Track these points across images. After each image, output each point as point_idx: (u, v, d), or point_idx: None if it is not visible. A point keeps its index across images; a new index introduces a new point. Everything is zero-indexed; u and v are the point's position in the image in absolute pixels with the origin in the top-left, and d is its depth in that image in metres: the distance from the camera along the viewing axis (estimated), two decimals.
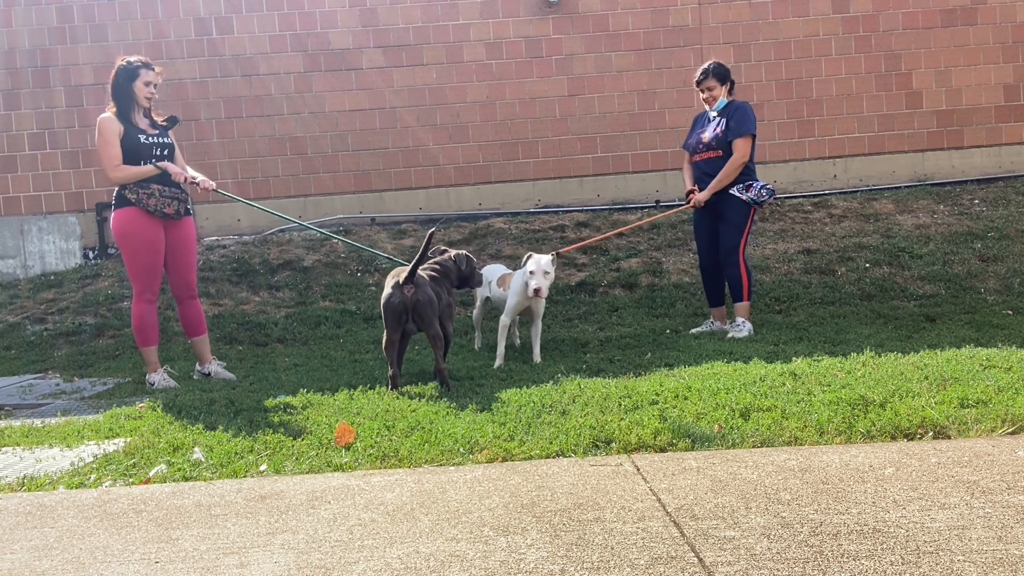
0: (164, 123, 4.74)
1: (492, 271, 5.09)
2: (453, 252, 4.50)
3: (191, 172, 4.72)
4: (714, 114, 5.33)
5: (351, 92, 7.96)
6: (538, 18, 7.99)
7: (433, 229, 4.24)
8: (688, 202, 5.41)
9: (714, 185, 5.20)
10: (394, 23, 7.94)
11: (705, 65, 5.35)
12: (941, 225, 7.14)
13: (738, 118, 5.20)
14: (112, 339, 6.13)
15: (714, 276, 5.40)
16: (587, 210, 7.89)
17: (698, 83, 5.36)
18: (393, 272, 4.18)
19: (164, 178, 4.60)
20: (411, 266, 3.99)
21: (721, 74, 5.28)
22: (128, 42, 7.79)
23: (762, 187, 5.20)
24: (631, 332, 5.44)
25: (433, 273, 4.29)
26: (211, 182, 4.76)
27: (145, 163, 4.55)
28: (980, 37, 8.06)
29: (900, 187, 7.99)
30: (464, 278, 4.49)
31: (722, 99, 5.29)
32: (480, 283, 4.61)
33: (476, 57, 7.98)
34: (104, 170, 4.57)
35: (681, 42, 8.01)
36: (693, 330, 5.42)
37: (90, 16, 7.88)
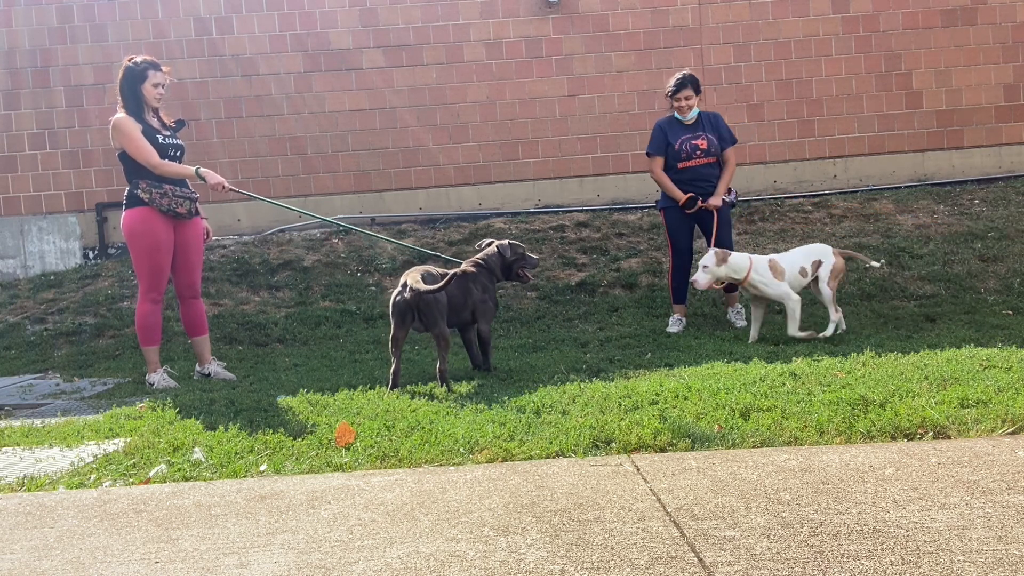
0: (172, 125, 4.76)
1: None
2: (496, 243, 4.50)
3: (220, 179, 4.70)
4: (689, 121, 5.55)
5: (351, 92, 7.96)
6: (538, 18, 7.98)
7: (456, 271, 4.22)
8: (694, 207, 5.45)
9: (721, 189, 5.49)
10: (394, 23, 7.94)
11: (680, 76, 5.56)
12: (941, 225, 7.14)
13: (726, 128, 5.64)
14: (112, 339, 6.13)
15: (688, 274, 5.56)
16: (587, 210, 7.89)
17: (674, 94, 5.53)
18: (410, 270, 4.19)
19: (176, 179, 4.64)
20: (437, 286, 3.99)
21: (696, 84, 5.57)
22: (128, 42, 7.79)
23: (732, 190, 5.61)
24: (631, 332, 5.45)
25: (471, 270, 4.32)
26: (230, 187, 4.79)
27: None
28: (980, 37, 8.05)
29: (900, 187, 7.99)
30: (508, 267, 4.48)
31: (695, 108, 5.57)
32: (534, 266, 4.58)
33: (476, 57, 7.97)
34: (148, 167, 4.51)
35: (681, 42, 8.00)
36: (669, 329, 5.49)
37: (90, 16, 7.87)
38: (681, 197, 5.44)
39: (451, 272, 4.10)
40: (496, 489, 2.42)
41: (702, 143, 5.47)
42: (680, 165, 5.51)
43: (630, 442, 2.82)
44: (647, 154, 5.67)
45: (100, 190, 7.86)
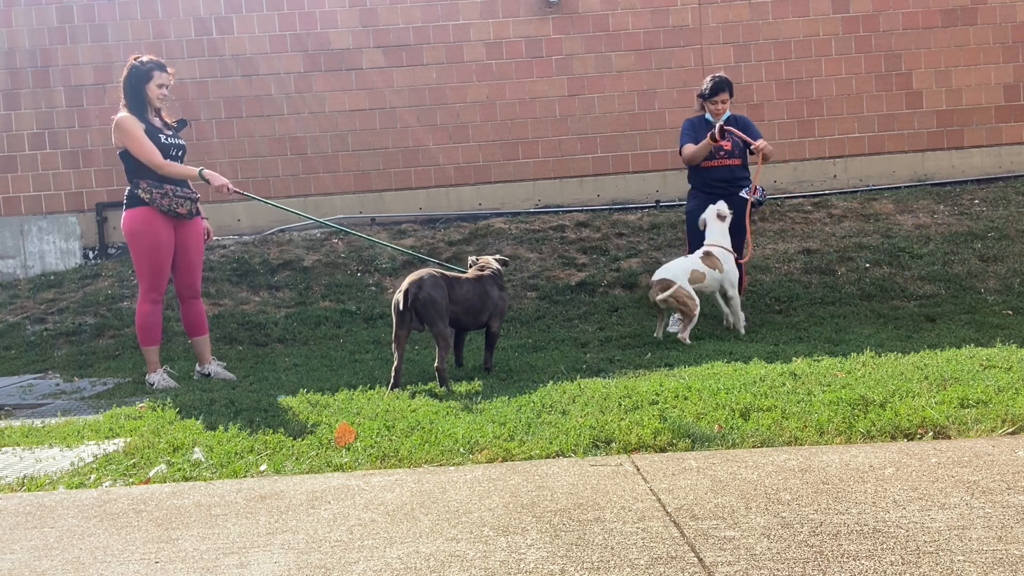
0: (174, 124, 4.76)
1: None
2: (497, 257, 4.72)
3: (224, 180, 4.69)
4: (719, 124, 5.53)
5: (351, 92, 7.96)
6: (538, 18, 7.98)
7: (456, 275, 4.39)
8: (719, 134, 5.34)
9: (769, 153, 5.41)
10: (394, 23, 7.94)
11: (716, 79, 5.55)
12: (941, 225, 7.14)
13: (754, 127, 5.61)
14: (112, 339, 6.13)
15: None
16: (587, 210, 7.89)
17: (711, 96, 5.53)
18: (413, 273, 4.24)
19: (177, 179, 4.64)
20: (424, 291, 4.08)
21: (731, 87, 5.59)
22: (128, 42, 7.79)
23: (761, 189, 5.59)
24: (631, 332, 5.44)
25: (482, 273, 4.51)
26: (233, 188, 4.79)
27: None
28: (980, 37, 8.05)
29: (900, 187, 7.99)
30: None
31: (728, 111, 5.60)
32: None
33: (476, 57, 7.97)
34: (152, 166, 4.51)
35: (681, 42, 8.00)
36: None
37: (90, 16, 7.87)
38: (706, 137, 5.38)
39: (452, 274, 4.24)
40: (496, 489, 2.42)
41: (727, 144, 5.50)
42: (704, 164, 5.57)
43: (630, 442, 2.82)
44: (680, 149, 5.65)
45: (100, 190, 7.86)
